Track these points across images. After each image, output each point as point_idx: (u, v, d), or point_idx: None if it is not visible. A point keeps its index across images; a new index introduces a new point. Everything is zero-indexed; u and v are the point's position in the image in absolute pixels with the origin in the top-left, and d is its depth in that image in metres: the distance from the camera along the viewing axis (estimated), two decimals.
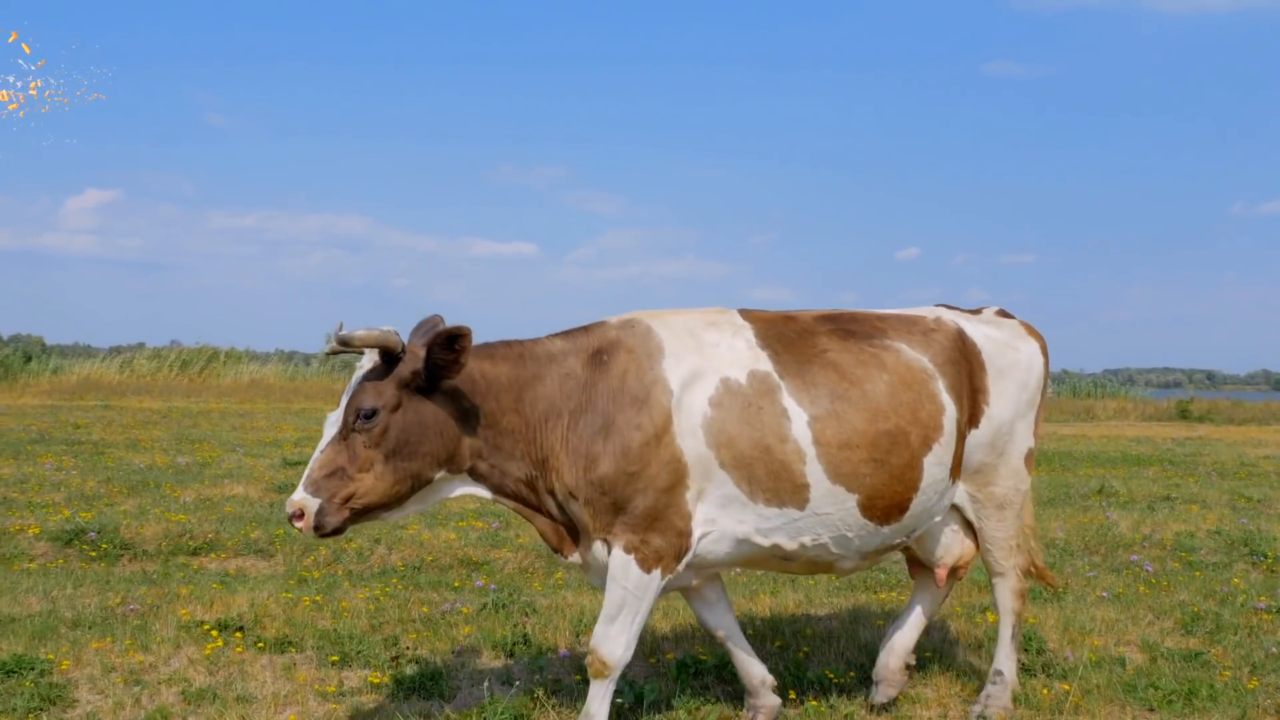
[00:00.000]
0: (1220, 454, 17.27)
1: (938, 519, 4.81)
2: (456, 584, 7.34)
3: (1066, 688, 5.22)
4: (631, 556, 4.18)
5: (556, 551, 4.40)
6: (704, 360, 4.32)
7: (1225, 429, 24.84)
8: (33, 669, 5.06)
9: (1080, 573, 7.98)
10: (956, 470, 4.73)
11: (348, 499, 3.97)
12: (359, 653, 5.53)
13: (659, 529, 4.18)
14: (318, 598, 6.62)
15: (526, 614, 6.31)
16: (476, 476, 4.24)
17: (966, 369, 4.75)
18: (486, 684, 5.01)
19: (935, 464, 4.55)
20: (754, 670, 4.77)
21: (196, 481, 11.56)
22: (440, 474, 4.14)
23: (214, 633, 5.73)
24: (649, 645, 5.83)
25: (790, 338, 4.52)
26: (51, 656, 5.23)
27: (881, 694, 4.94)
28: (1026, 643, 5.88)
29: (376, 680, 5.16)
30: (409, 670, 5.27)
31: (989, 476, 4.87)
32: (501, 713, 4.64)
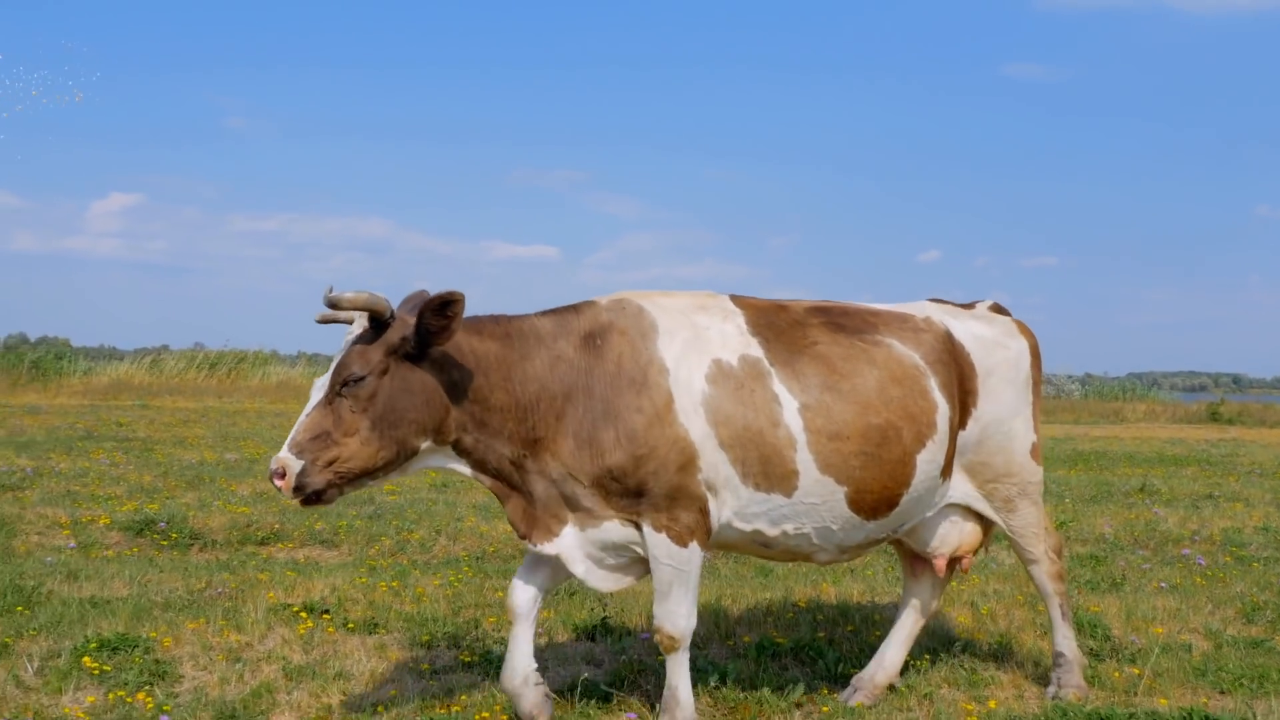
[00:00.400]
0: (1256, 455, 17.29)
1: (928, 515, 4.84)
2: None
3: (1137, 671, 5.34)
4: (663, 535, 4.26)
5: (524, 537, 4.37)
6: (695, 340, 4.35)
7: (1258, 431, 24.77)
8: (136, 646, 5.24)
9: (1135, 565, 8.08)
10: (947, 470, 4.76)
11: (331, 462, 3.94)
12: (445, 634, 5.70)
13: (683, 506, 4.24)
14: (394, 584, 6.80)
15: (600, 599, 6.46)
16: (460, 451, 4.23)
17: (956, 370, 4.77)
18: (590, 659, 5.16)
19: (928, 461, 4.57)
20: (521, 668, 4.49)
21: (249, 476, 11.77)
22: (426, 443, 4.12)
23: (303, 614, 5.91)
24: (724, 629, 5.99)
25: (781, 327, 4.54)
26: (154, 635, 5.42)
27: (854, 699, 4.94)
28: (1092, 629, 6.00)
29: (467, 659, 5.33)
30: (496, 650, 5.43)
31: (991, 476, 4.90)
32: (597, 690, 4.78)
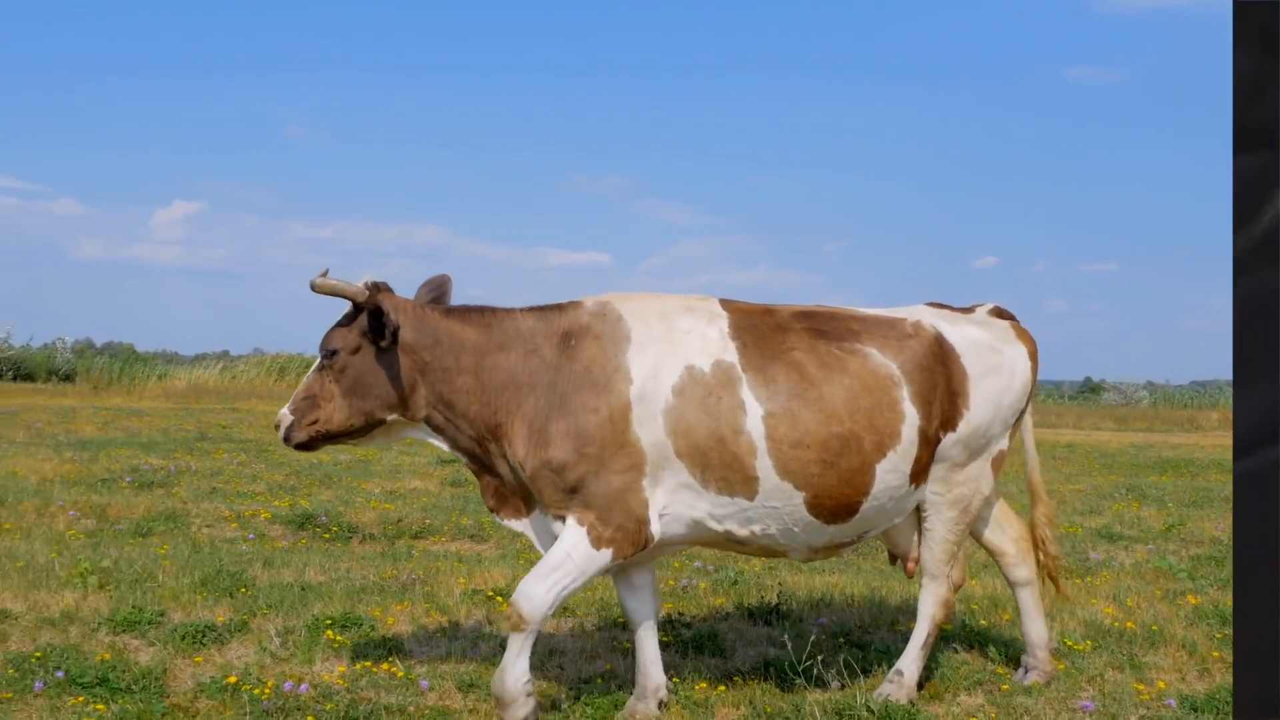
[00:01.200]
0: None
1: (897, 521, 4.90)
2: (676, 564, 7.95)
3: None
4: (584, 530, 4.38)
5: (494, 512, 4.74)
6: (670, 348, 4.49)
7: None
8: (361, 624, 5.75)
9: None
10: (918, 477, 4.75)
11: (312, 422, 4.56)
12: None
13: (618, 512, 4.37)
14: None
15: (763, 588, 6.89)
16: (434, 428, 4.65)
17: (943, 374, 4.77)
18: (787, 637, 5.58)
19: (889, 470, 4.61)
20: (652, 676, 4.79)
21: (373, 476, 12.34)
22: (392, 416, 4.58)
23: (498, 598, 6.40)
24: (888, 617, 6.40)
25: (762, 332, 4.63)
26: (377, 613, 5.93)
27: (1029, 679, 5.30)
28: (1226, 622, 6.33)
29: (664, 639, 5.77)
30: (686, 633, 5.88)
31: (958, 476, 4.89)
32: (792, 667, 5.20)
